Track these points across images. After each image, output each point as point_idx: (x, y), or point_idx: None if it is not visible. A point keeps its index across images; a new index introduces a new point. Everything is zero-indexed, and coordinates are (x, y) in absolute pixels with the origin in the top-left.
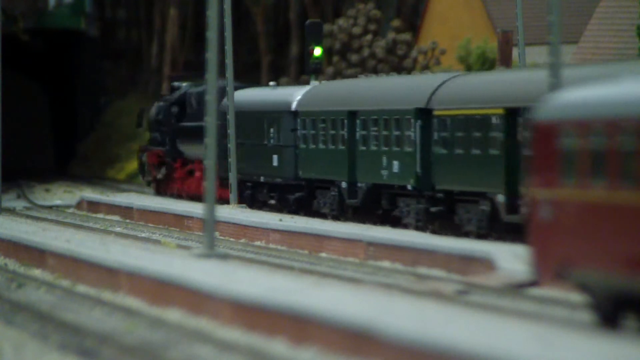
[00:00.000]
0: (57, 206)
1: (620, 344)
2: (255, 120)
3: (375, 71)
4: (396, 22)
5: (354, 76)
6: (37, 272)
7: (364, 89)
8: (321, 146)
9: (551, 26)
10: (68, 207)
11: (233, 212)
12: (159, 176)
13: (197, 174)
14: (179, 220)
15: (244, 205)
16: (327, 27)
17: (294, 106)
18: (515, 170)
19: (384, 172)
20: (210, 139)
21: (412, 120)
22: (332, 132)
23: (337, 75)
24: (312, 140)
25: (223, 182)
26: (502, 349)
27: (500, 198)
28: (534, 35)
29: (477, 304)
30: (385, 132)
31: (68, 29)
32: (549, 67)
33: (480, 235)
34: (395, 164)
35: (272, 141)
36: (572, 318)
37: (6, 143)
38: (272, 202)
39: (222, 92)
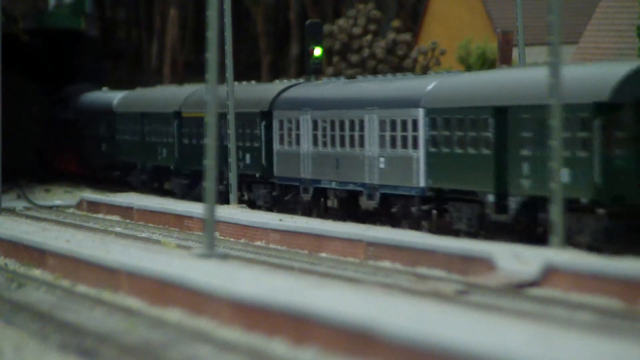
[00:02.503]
0: (57, 206)
1: (620, 344)
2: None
3: (375, 72)
4: (396, 23)
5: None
6: (37, 272)
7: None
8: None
9: (551, 26)
10: (68, 207)
11: (233, 212)
12: None
13: None
14: (179, 220)
15: (244, 205)
16: (327, 28)
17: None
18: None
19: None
20: (210, 139)
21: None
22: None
23: (337, 75)
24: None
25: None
26: (502, 349)
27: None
28: (534, 35)
29: (477, 304)
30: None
31: (68, 29)
32: (549, 67)
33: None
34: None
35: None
36: (572, 318)
37: (6, 143)
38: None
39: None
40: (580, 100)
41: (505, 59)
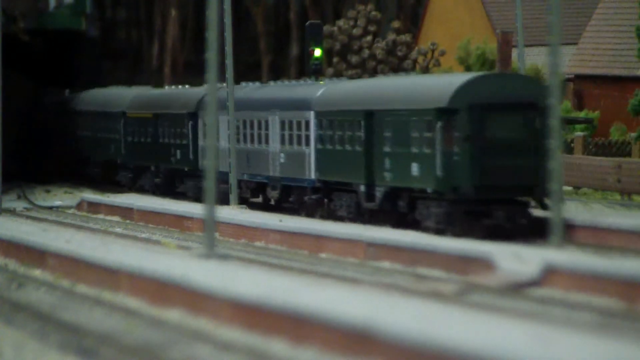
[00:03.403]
0: (58, 207)
1: (620, 344)
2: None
3: (375, 72)
4: (396, 24)
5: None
6: (37, 272)
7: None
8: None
9: (551, 27)
10: (68, 207)
11: (233, 213)
12: None
13: None
14: (179, 221)
15: (244, 205)
16: (327, 28)
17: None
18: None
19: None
20: (210, 139)
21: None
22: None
23: (338, 75)
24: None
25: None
26: (502, 349)
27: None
28: (533, 36)
29: (477, 304)
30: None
31: (68, 29)
32: (549, 67)
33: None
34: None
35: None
36: (572, 318)
37: (6, 143)
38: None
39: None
40: (426, 106)
41: (504, 60)
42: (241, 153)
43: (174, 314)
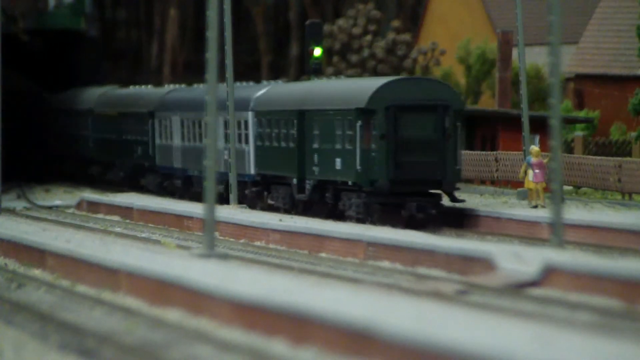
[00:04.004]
0: (57, 206)
1: (620, 344)
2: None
3: (375, 72)
4: (396, 23)
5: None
6: (37, 272)
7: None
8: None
9: (551, 26)
10: (68, 207)
11: (233, 212)
12: None
13: None
14: (178, 220)
15: (244, 205)
16: (327, 28)
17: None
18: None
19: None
20: (211, 139)
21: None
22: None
23: (337, 75)
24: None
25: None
26: (502, 349)
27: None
28: (533, 35)
29: (477, 304)
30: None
31: (68, 29)
32: (549, 66)
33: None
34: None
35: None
36: (572, 318)
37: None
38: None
39: None
40: (348, 106)
41: (504, 59)
42: (194, 150)
43: (174, 314)
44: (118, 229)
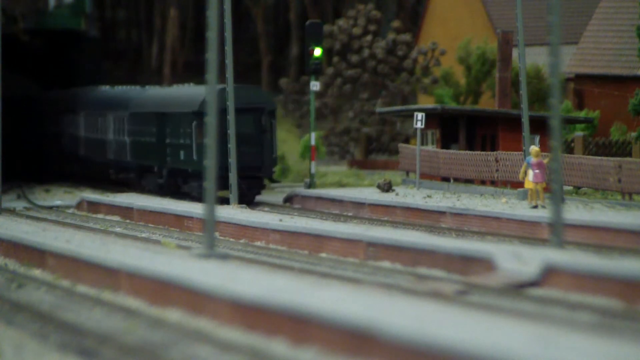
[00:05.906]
0: (57, 206)
1: (620, 344)
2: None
3: (375, 72)
4: (396, 23)
5: (354, 76)
6: (37, 272)
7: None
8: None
9: (551, 26)
10: (68, 207)
11: (233, 212)
12: None
13: None
14: (179, 221)
15: (244, 205)
16: (327, 28)
17: None
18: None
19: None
20: (211, 139)
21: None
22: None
23: (337, 75)
24: None
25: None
26: (502, 349)
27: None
28: (533, 35)
29: (477, 304)
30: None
31: (68, 29)
32: (550, 66)
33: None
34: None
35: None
36: (572, 318)
37: (5, 143)
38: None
39: None
40: (187, 109)
41: (505, 59)
42: (96, 142)
43: (174, 314)
44: (118, 229)
